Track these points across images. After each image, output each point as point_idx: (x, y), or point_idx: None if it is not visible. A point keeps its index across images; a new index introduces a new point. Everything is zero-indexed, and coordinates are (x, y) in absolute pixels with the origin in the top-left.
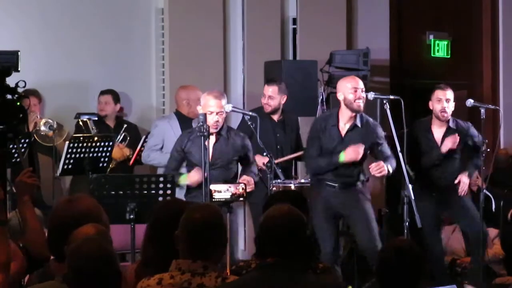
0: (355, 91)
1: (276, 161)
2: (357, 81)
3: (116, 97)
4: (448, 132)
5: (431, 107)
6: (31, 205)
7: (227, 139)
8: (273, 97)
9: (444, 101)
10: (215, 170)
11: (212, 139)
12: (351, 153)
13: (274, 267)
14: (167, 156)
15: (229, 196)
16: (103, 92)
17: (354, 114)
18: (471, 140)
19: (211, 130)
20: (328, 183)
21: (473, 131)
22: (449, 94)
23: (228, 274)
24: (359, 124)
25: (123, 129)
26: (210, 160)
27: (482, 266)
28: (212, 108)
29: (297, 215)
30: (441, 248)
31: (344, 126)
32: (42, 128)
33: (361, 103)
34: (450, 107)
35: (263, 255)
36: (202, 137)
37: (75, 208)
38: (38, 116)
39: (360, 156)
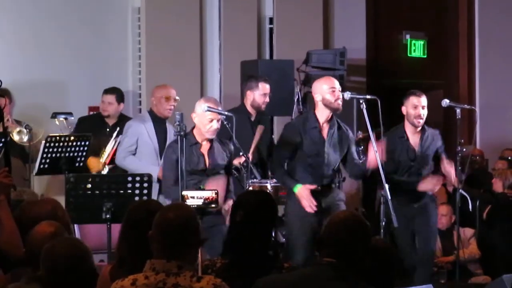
0: (333, 92)
1: (250, 155)
2: (333, 81)
3: (120, 97)
4: (423, 135)
5: (404, 112)
6: (6, 205)
7: (218, 145)
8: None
9: (420, 107)
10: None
11: (205, 146)
12: (304, 198)
13: (329, 267)
14: (143, 164)
15: (201, 203)
16: (106, 91)
17: (331, 114)
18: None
19: (208, 136)
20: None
21: (440, 138)
22: (424, 100)
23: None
24: (336, 125)
25: (116, 132)
26: (207, 167)
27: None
28: (214, 116)
29: (362, 221)
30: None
31: (323, 127)
32: (16, 137)
33: (340, 103)
34: (425, 113)
35: (323, 255)
36: (179, 137)
37: (29, 212)
38: (10, 120)
39: (311, 206)
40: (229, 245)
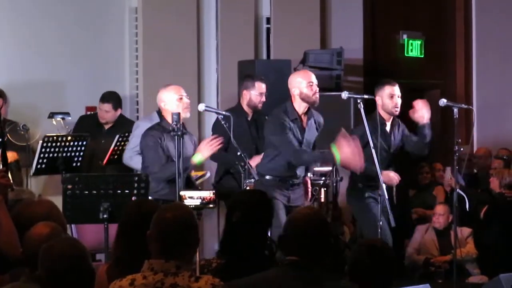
0: (311, 86)
1: (253, 164)
2: (310, 75)
3: (116, 104)
4: (394, 125)
5: (378, 102)
6: (4, 206)
7: (186, 136)
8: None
9: (396, 96)
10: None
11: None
12: (349, 157)
13: (294, 266)
14: None
15: (199, 203)
16: (103, 100)
17: (308, 107)
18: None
19: (184, 115)
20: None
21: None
22: (398, 89)
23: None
24: (312, 116)
25: (118, 136)
26: (183, 158)
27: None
28: (184, 93)
29: (322, 218)
30: None
31: (302, 118)
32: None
33: (318, 97)
34: (400, 102)
35: (285, 253)
36: (176, 137)
37: (25, 213)
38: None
39: (359, 163)
40: (226, 245)
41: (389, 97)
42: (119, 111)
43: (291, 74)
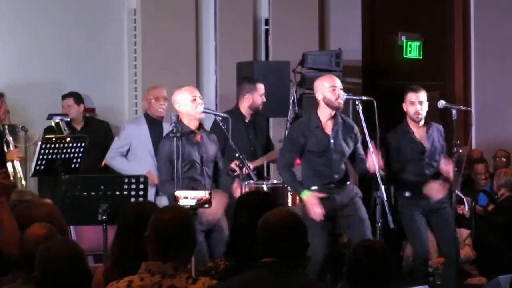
0: (334, 90)
1: (251, 166)
2: (334, 79)
3: (77, 99)
4: (429, 130)
5: (405, 109)
6: (7, 207)
7: (206, 136)
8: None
9: (417, 103)
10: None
11: (198, 135)
12: (311, 206)
13: (272, 267)
14: (131, 165)
15: (194, 203)
16: (64, 96)
17: (334, 112)
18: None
19: (198, 116)
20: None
21: (443, 136)
22: (422, 96)
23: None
24: (340, 122)
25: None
26: (203, 157)
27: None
28: (198, 94)
29: (298, 218)
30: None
31: (327, 124)
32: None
33: (341, 101)
34: (424, 108)
35: (261, 255)
36: (175, 138)
37: (27, 215)
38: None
39: (317, 215)
40: (233, 246)
41: (410, 104)
42: (82, 107)
43: (316, 79)
